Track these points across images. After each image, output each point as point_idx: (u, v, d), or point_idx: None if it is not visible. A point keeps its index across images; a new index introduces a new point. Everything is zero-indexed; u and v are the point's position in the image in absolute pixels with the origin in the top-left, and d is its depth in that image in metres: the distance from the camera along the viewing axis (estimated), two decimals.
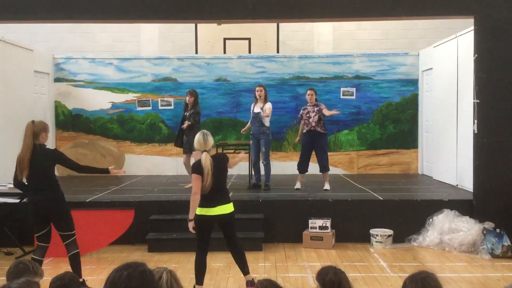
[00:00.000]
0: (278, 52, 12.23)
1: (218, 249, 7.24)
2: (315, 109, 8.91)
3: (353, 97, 11.66)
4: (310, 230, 7.67)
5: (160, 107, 11.76)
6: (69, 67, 11.85)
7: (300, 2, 7.77)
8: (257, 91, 9.06)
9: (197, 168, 5.35)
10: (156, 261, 6.88)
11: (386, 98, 11.73)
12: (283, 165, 11.41)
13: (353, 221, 7.94)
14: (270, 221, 7.90)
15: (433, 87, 10.74)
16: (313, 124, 8.87)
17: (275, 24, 12.13)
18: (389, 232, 7.71)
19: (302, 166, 9.10)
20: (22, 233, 7.62)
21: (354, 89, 11.65)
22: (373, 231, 7.74)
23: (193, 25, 12.09)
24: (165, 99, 11.78)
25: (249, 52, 12.15)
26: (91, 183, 10.30)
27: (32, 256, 5.66)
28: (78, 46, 12.67)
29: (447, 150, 9.79)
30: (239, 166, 10.83)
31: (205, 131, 5.54)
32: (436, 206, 7.81)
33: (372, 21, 11.63)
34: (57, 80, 11.83)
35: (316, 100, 9.04)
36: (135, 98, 11.81)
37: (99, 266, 6.86)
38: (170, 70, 11.83)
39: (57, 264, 6.88)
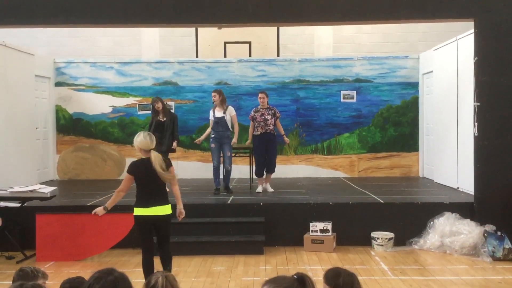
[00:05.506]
0: (278, 55, 12.24)
1: (219, 253, 7.27)
2: (270, 112, 9.12)
3: (354, 100, 11.69)
4: (311, 233, 7.68)
5: None
6: (70, 71, 11.88)
7: (300, 6, 7.79)
8: (213, 96, 9.10)
9: (133, 168, 5.39)
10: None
11: (387, 101, 11.75)
12: (284, 169, 11.41)
13: (354, 224, 7.94)
14: (271, 225, 7.90)
15: (434, 90, 10.75)
16: (271, 127, 9.11)
17: (276, 28, 12.14)
18: (390, 235, 7.71)
19: (261, 170, 9.24)
20: (23, 237, 7.63)
21: (355, 92, 11.68)
22: (374, 234, 7.74)
23: (194, 29, 12.11)
24: (166, 102, 11.78)
25: (250, 55, 12.16)
26: (92, 186, 10.32)
27: None
28: (79, 50, 12.69)
29: (448, 153, 9.79)
30: (240, 170, 10.88)
31: (145, 132, 5.53)
32: (437, 209, 7.81)
33: (372, 25, 11.65)
34: (58, 84, 11.86)
35: (267, 103, 9.23)
36: (136, 102, 11.83)
37: None
38: (171, 74, 11.85)
39: (58, 268, 6.89)
